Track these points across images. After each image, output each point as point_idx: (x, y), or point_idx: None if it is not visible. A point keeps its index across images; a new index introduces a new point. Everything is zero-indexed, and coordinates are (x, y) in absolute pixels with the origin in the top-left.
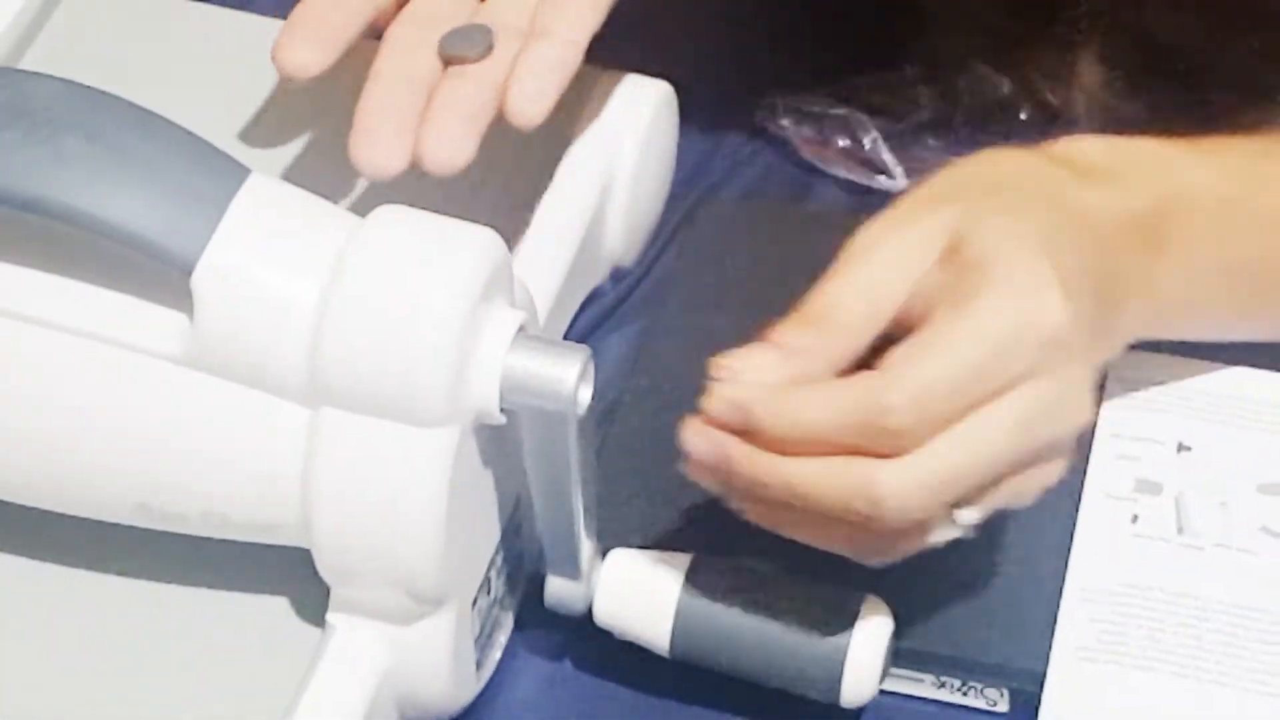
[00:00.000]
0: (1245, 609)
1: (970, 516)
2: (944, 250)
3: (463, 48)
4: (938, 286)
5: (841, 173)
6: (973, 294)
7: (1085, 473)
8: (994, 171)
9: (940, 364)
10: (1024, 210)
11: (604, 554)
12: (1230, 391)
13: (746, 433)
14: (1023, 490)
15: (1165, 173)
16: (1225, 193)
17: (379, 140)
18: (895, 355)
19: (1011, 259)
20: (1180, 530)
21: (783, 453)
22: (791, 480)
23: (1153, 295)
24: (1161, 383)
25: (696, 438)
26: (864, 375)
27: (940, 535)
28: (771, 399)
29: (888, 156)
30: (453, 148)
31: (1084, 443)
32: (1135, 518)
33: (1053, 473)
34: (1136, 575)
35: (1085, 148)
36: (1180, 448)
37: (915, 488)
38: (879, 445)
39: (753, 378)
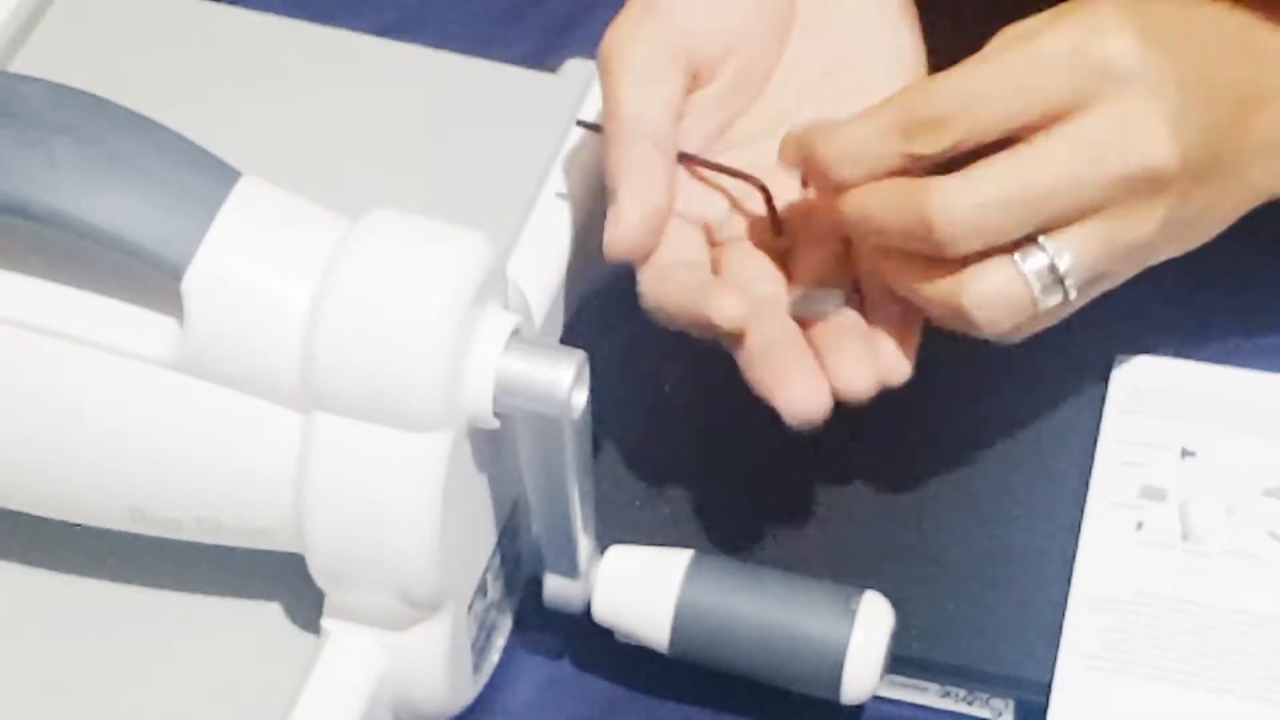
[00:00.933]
0: (1252, 615)
1: (1057, 252)
2: None
3: (819, 309)
4: None
5: None
6: (1034, 27)
7: (1089, 480)
8: None
9: (986, 69)
10: (1156, 9)
11: (603, 551)
12: (1234, 396)
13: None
14: (1110, 238)
15: None
16: None
17: (798, 384)
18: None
19: (1087, 6)
20: (1185, 537)
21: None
22: (857, 206)
23: None
24: (1165, 388)
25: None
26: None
27: (1034, 280)
28: (817, 129)
29: None
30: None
31: (1087, 449)
32: (1140, 525)
33: (1138, 223)
34: (1142, 583)
35: None
36: (1185, 453)
37: (961, 204)
38: (924, 148)
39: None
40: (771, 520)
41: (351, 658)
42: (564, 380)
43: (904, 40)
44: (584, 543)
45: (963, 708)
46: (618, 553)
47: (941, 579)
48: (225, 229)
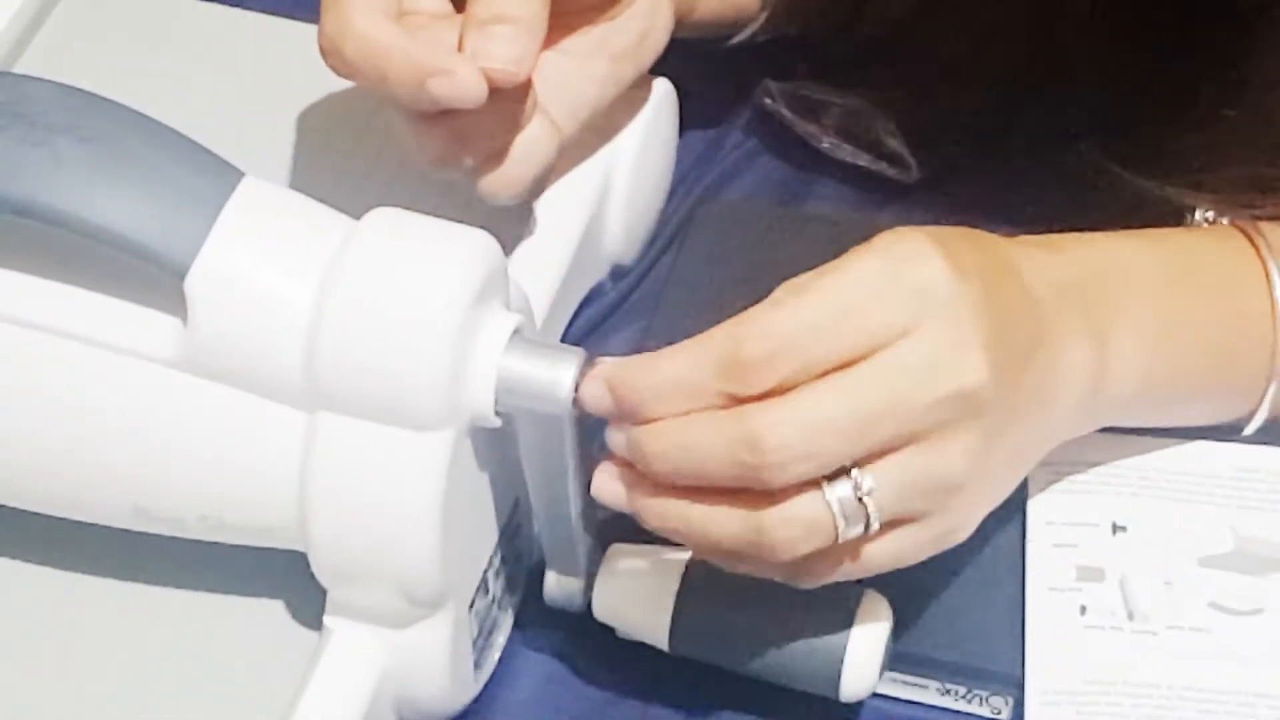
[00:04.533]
0: (1211, 692)
1: (861, 479)
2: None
3: None
4: None
5: (848, 158)
6: (846, 261)
7: (1024, 564)
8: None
9: (806, 304)
10: (956, 244)
11: (603, 549)
12: (1157, 465)
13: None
14: (919, 470)
15: (1102, 248)
16: (1164, 267)
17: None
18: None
19: (898, 234)
20: (1130, 616)
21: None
22: (675, 438)
23: (1104, 373)
24: (1088, 463)
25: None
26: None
27: (845, 523)
28: (628, 365)
29: (901, 148)
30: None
31: (1020, 526)
32: (1083, 609)
33: (949, 456)
34: (1095, 670)
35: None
36: (1115, 528)
37: (793, 426)
38: (746, 391)
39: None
40: None
41: (353, 655)
42: (565, 379)
43: None
44: (584, 541)
45: (962, 705)
46: (618, 552)
47: (941, 577)
48: (228, 228)
